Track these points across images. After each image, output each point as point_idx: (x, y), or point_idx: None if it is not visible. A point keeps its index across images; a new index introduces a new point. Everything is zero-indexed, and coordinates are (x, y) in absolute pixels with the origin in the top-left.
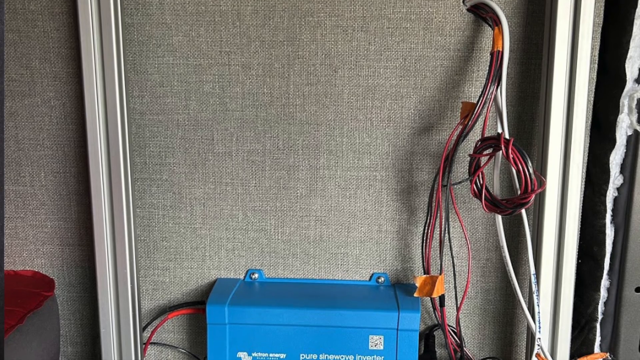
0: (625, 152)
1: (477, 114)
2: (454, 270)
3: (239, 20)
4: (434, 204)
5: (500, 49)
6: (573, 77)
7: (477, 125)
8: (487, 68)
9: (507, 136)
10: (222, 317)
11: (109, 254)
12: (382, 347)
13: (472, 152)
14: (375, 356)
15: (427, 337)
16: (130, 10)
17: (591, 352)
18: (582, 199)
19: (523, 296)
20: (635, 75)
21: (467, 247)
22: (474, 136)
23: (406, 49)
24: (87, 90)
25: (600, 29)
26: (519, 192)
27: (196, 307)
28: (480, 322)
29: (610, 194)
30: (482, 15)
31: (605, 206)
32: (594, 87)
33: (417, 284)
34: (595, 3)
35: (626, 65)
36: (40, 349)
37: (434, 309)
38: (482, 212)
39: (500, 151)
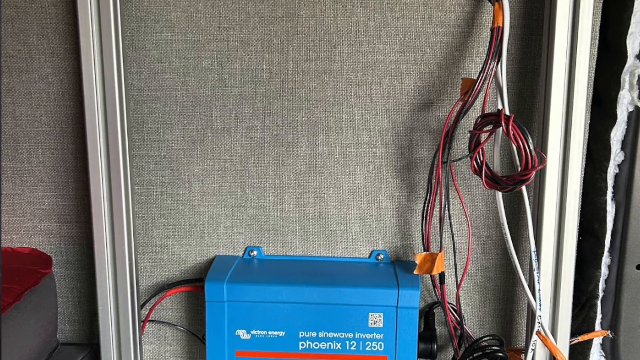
0: (627, 129)
1: (477, 90)
2: (454, 248)
3: None
4: (433, 181)
5: (501, 25)
6: (574, 53)
7: (477, 101)
8: (488, 44)
9: (507, 112)
10: (221, 295)
11: (107, 231)
12: (381, 325)
13: (472, 129)
14: (374, 334)
15: (427, 315)
16: None
17: (592, 329)
18: (582, 175)
19: (523, 273)
20: (637, 51)
21: (467, 224)
22: (474, 112)
23: (406, 25)
24: (85, 67)
25: (601, 5)
26: (519, 169)
27: (194, 284)
28: (480, 299)
29: (611, 170)
30: None
31: (606, 183)
32: (594, 64)
33: (417, 261)
34: None
35: (627, 41)
36: (37, 327)
37: (434, 286)
38: (482, 189)
39: (501, 127)
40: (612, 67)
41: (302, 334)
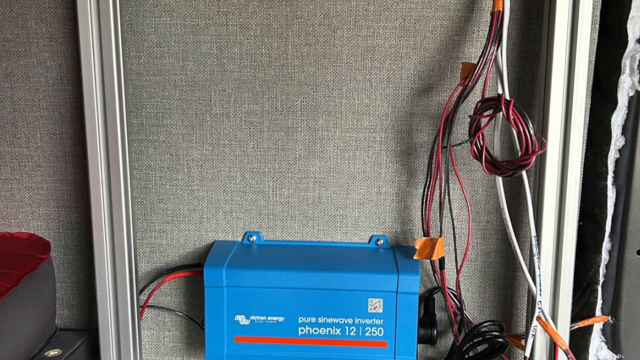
0: (627, 113)
1: (477, 75)
2: (454, 233)
3: None
4: (433, 166)
5: (501, 9)
6: (574, 37)
7: (478, 86)
8: (488, 28)
9: (507, 97)
10: (220, 280)
11: (106, 216)
12: (381, 310)
13: (472, 113)
14: (374, 319)
15: (426, 300)
16: None
17: (592, 315)
18: (583, 160)
19: (524, 259)
20: (637, 35)
21: (467, 209)
22: (474, 97)
23: (406, 9)
24: (84, 51)
25: None
26: (519, 154)
27: (194, 269)
28: (480, 285)
29: (612, 155)
30: None
31: (606, 168)
32: (595, 48)
33: (417, 247)
34: None
35: (628, 26)
36: (36, 312)
37: (434, 271)
38: (483, 174)
39: (501, 112)
40: (612, 51)
41: (301, 319)
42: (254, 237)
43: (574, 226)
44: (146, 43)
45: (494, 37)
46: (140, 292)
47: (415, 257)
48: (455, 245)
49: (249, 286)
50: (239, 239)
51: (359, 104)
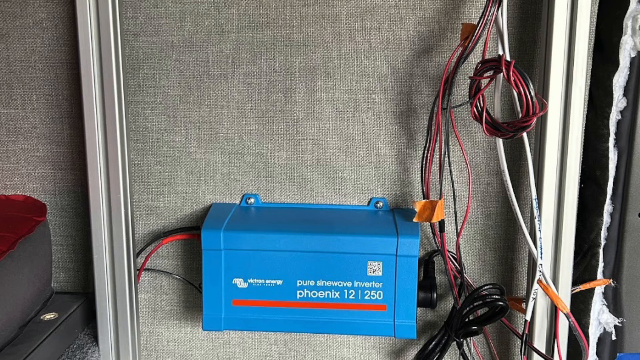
0: (629, 75)
1: (477, 36)
2: (454, 195)
3: None
4: (433, 127)
5: None
6: None
7: (478, 47)
8: None
9: (508, 58)
10: (218, 243)
11: (102, 179)
12: (380, 273)
13: (472, 75)
14: (373, 282)
15: (426, 263)
16: None
17: (594, 278)
18: (584, 122)
19: (524, 221)
20: None
21: (467, 172)
22: (475, 58)
23: None
24: (80, 11)
25: None
26: (520, 115)
27: (191, 232)
28: (480, 247)
29: (614, 117)
30: None
31: (608, 129)
32: (596, 8)
33: (417, 209)
34: None
35: None
36: (31, 275)
37: (434, 234)
38: (483, 136)
39: (501, 73)
40: (614, 12)
41: (300, 282)
42: (252, 200)
43: (575, 188)
44: (143, 3)
45: None
46: (137, 255)
47: (414, 220)
48: (455, 208)
49: (247, 249)
50: (237, 202)
51: (358, 65)
